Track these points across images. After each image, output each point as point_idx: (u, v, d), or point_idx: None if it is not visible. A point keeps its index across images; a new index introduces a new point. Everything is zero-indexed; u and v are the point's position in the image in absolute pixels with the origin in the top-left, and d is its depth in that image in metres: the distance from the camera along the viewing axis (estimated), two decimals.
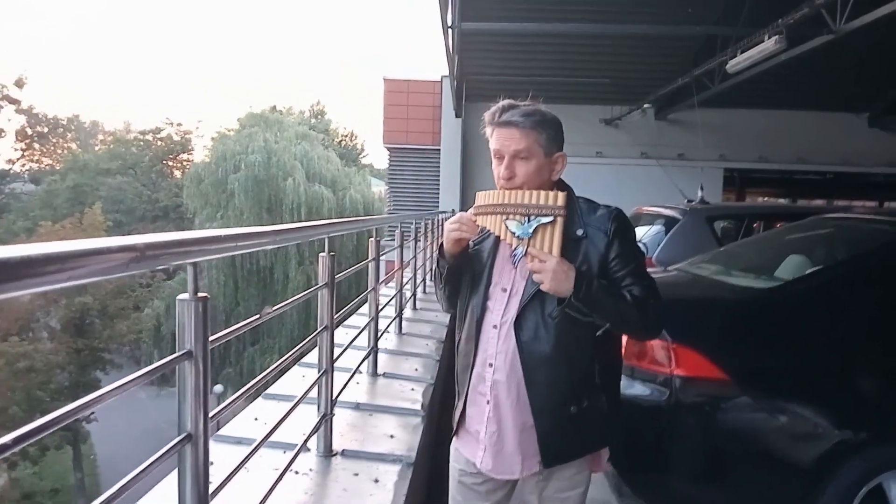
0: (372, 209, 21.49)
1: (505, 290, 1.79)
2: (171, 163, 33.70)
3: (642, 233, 5.65)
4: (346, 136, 37.98)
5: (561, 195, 1.71)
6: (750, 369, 2.62)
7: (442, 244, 1.88)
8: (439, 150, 12.21)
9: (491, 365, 1.78)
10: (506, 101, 1.79)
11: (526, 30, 9.05)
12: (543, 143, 1.76)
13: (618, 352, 1.89)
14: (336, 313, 2.48)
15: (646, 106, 10.88)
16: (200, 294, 1.34)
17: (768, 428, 2.59)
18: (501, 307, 1.78)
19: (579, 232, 1.73)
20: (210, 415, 1.39)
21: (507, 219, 1.73)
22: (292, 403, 2.19)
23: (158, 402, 18.95)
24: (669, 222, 5.39)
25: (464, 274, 1.90)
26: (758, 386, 2.61)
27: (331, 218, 19.23)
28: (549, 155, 1.77)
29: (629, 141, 11.91)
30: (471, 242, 1.88)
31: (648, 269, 1.85)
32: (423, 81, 13.13)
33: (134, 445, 18.77)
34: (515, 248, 1.76)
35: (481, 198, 1.81)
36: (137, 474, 1.18)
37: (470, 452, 1.86)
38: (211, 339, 1.38)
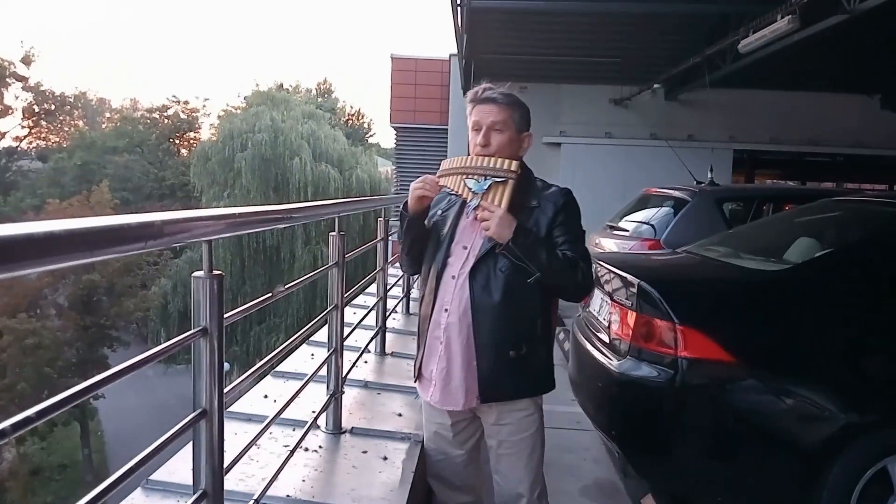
0: (379, 189, 21.45)
1: (465, 248, 2.06)
2: (177, 141, 33.67)
3: (651, 214, 5.64)
4: (352, 115, 37.83)
5: (514, 162, 2.01)
6: (757, 351, 2.62)
7: (406, 202, 2.13)
8: (447, 129, 12.15)
9: (446, 310, 2.03)
10: (486, 84, 2.10)
11: (536, 7, 8.94)
12: (516, 120, 2.07)
13: (555, 313, 2.18)
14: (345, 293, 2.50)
15: (655, 86, 10.76)
16: (215, 272, 1.36)
17: (774, 410, 2.59)
18: (461, 261, 2.05)
19: (534, 202, 2.04)
20: (224, 391, 1.41)
21: (466, 178, 2.02)
22: (300, 381, 2.22)
23: (165, 379, 19.12)
24: (679, 204, 5.36)
25: (427, 237, 2.16)
26: (765, 368, 2.61)
27: (337, 197, 19.22)
28: (520, 132, 2.08)
29: (639, 121, 11.80)
30: (438, 211, 2.17)
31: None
32: (431, 60, 13.03)
33: (141, 422, 18.95)
34: (471, 201, 2.01)
35: (446, 163, 2.13)
36: (155, 448, 1.20)
37: (424, 391, 2.14)
38: (225, 316, 1.40)
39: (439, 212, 2.17)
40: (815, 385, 2.57)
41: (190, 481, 1.55)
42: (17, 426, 0.87)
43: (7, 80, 30.56)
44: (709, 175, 6.08)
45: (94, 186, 24.53)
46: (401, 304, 4.42)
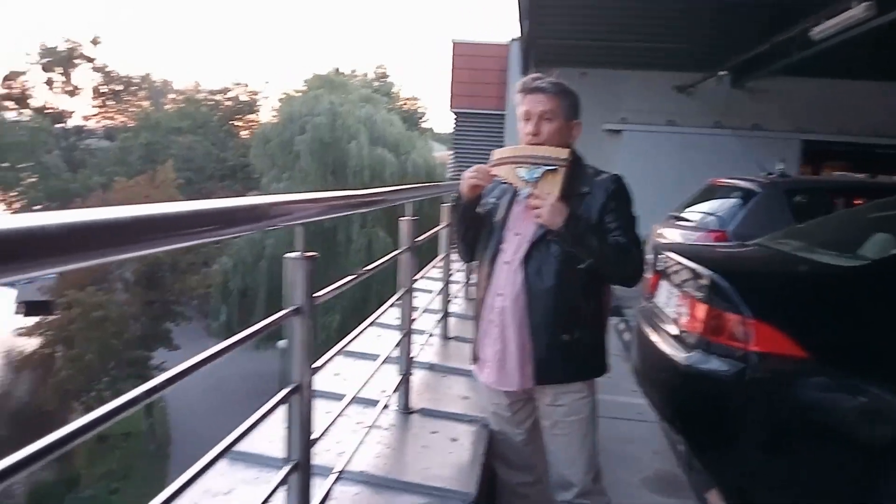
0: (434, 173, 21.50)
1: (518, 235, 2.11)
2: (238, 123, 34.39)
3: (717, 205, 5.53)
4: (408, 99, 37.98)
5: (565, 150, 2.05)
6: (830, 347, 2.57)
7: (459, 194, 2.21)
8: (504, 114, 12.09)
9: (500, 295, 2.10)
10: (535, 74, 2.16)
11: None
12: (565, 109, 2.10)
13: (608, 298, 2.22)
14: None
15: (721, 73, 10.48)
16: (308, 253, 1.41)
17: (846, 407, 2.54)
18: (514, 248, 2.11)
19: (585, 189, 2.07)
20: (313, 366, 1.47)
21: (517, 167, 2.05)
22: (367, 361, 2.29)
23: (228, 356, 19.66)
24: (747, 195, 5.24)
25: (480, 225, 2.23)
26: (837, 365, 2.56)
27: (394, 182, 19.38)
28: (569, 120, 2.12)
29: (703, 109, 11.50)
30: (490, 199, 2.23)
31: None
32: (491, 45, 12.95)
33: (202, 397, 19.59)
34: (523, 190, 2.06)
35: (497, 153, 2.15)
36: (256, 422, 1.27)
37: (481, 373, 2.22)
38: (314, 295, 1.45)
39: (492, 200, 2.24)
40: (889, 383, 2.50)
41: (271, 453, 1.62)
42: (149, 392, 0.95)
43: (75, 60, 31.67)
44: (778, 166, 5.91)
45: (158, 166, 25.29)
46: (462, 289, 4.46)
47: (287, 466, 1.36)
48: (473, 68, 12.87)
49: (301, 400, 1.39)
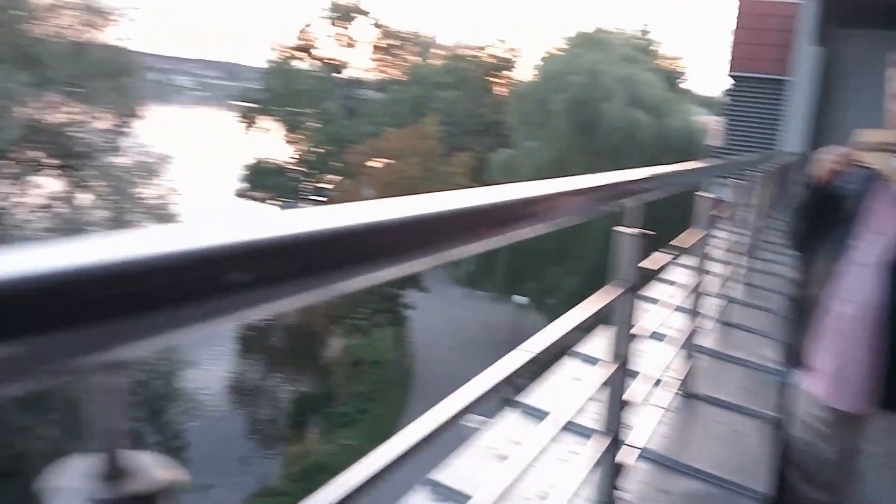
0: (693, 140, 20.26)
1: (878, 234, 1.82)
2: (494, 79, 35.23)
3: None
4: (670, 58, 35.93)
5: None
6: None
7: (810, 176, 1.97)
8: (783, 80, 10.92)
9: (848, 301, 1.83)
10: None
11: None
12: None
13: None
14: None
15: None
16: (643, 231, 1.40)
17: None
18: (871, 249, 1.81)
19: None
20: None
21: (894, 156, 1.77)
22: (649, 340, 2.23)
23: (470, 301, 20.80)
24: None
25: (824, 213, 1.94)
26: None
27: (649, 145, 18.70)
28: None
29: None
30: (845, 185, 1.91)
31: None
32: (780, 3, 11.73)
33: (438, 337, 20.95)
34: None
35: (866, 135, 1.87)
36: (584, 403, 1.31)
37: (814, 385, 1.95)
38: (639, 265, 1.44)
39: (847, 187, 1.93)
40: None
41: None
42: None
43: (353, 14, 34.62)
44: None
45: (423, 118, 26.90)
46: (744, 274, 4.17)
47: (608, 438, 1.39)
48: (757, 28, 11.76)
49: (622, 374, 1.40)
